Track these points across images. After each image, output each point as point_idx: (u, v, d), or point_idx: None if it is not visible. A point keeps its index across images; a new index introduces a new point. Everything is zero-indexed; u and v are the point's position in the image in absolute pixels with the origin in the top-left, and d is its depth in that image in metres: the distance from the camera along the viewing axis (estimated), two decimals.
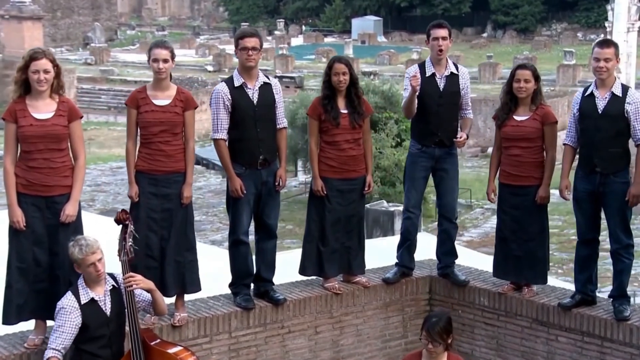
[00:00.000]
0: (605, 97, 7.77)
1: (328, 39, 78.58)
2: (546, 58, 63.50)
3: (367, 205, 24.55)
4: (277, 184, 8.08)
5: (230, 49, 71.20)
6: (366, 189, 8.48)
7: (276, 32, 79.73)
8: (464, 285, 8.73)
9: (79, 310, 6.58)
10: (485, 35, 79.82)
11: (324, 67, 8.54)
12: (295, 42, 77.40)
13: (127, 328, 6.82)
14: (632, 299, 8.74)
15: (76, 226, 7.13)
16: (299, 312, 8.27)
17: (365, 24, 78.86)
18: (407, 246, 8.79)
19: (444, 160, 8.60)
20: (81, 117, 7.19)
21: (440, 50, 8.47)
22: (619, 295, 7.92)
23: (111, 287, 6.77)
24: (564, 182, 8.01)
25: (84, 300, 6.62)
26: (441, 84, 8.55)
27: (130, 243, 6.90)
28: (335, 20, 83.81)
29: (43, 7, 70.15)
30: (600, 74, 7.77)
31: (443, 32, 8.50)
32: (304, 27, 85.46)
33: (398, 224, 27.73)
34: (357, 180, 8.44)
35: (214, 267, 9.35)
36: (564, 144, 8.06)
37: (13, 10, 54.00)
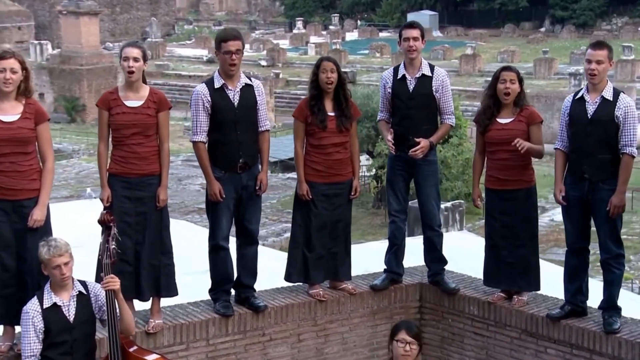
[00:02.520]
0: (596, 102, 7.48)
1: (383, 34, 78.28)
2: None
3: (409, 203, 24.29)
4: (257, 188, 7.90)
5: (284, 43, 71.51)
6: (352, 193, 8.28)
7: (331, 27, 79.59)
8: (454, 293, 8.47)
9: (41, 315, 6.46)
10: (542, 30, 78.81)
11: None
12: (350, 37, 77.28)
13: (105, 333, 6.70)
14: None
15: (45, 231, 6.97)
16: (281, 320, 8.08)
17: (420, 19, 78.00)
18: (393, 251, 8.56)
19: (420, 166, 8.35)
20: (48, 119, 7.07)
21: (411, 51, 8.24)
22: (609, 306, 7.61)
23: (77, 292, 6.62)
24: (559, 186, 7.68)
25: (46, 305, 6.50)
26: (411, 85, 8.31)
27: (113, 246, 6.78)
28: (390, 14, 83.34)
29: (102, 2, 70.81)
30: (591, 76, 7.48)
31: (415, 33, 8.26)
32: (359, 22, 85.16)
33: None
34: (343, 185, 8.24)
35: None
36: (555, 149, 7.77)
37: (71, 6, 54.61)
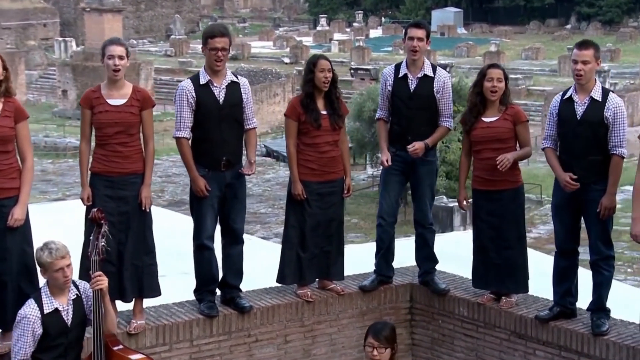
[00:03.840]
0: (585, 102, 7.35)
1: None
2: (631, 50, 62.12)
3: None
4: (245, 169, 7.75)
5: (307, 40, 71.44)
6: (346, 192, 8.21)
7: (355, 24, 79.45)
8: (444, 293, 8.37)
9: (41, 320, 6.35)
10: (568, 26, 78.38)
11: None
12: (374, 34, 77.15)
13: (89, 333, 6.63)
14: None
15: (24, 230, 6.92)
16: (267, 320, 7.99)
17: (445, 16, 78.10)
18: (382, 254, 8.45)
19: (418, 166, 8.24)
20: (27, 117, 7.00)
21: (414, 51, 8.12)
22: (598, 308, 7.49)
23: (75, 296, 6.52)
24: (563, 176, 7.36)
25: (47, 310, 6.37)
26: (412, 85, 8.20)
27: (102, 243, 6.72)
28: (415, 11, 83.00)
29: None
30: (578, 77, 7.35)
31: (420, 33, 8.13)
32: (383, 19, 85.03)
33: (457, 221, 27.41)
34: (336, 183, 8.17)
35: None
36: (543, 149, 7.63)
37: (94, 3, 54.83)
